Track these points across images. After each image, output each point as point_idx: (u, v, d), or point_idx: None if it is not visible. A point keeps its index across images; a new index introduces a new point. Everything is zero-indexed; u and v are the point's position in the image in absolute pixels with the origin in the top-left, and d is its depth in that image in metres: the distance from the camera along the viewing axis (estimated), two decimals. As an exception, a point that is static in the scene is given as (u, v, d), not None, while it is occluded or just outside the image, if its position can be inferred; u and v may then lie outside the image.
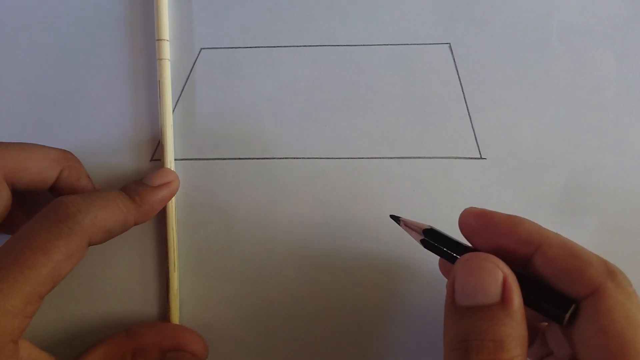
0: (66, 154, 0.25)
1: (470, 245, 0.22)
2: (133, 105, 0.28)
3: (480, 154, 0.27)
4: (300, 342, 0.27)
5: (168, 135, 0.27)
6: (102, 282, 0.27)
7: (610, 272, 0.19)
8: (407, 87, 0.28)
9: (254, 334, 0.27)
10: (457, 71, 0.28)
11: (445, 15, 0.28)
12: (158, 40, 0.27)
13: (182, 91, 0.28)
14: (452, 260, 0.21)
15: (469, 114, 0.28)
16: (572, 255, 0.19)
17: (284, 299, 0.27)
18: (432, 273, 0.26)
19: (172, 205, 0.27)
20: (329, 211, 0.27)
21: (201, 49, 0.28)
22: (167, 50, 0.27)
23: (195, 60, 0.28)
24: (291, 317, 0.27)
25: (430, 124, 0.28)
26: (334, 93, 0.28)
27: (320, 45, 0.28)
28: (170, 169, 0.26)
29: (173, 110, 0.28)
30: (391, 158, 0.27)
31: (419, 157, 0.27)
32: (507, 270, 0.19)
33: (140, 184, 0.25)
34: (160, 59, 0.27)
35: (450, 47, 0.28)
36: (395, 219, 0.23)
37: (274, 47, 0.28)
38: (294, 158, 0.28)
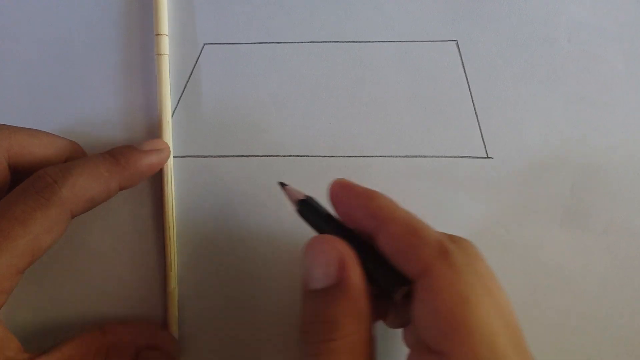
0: (73, 145, 0.25)
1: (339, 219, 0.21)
2: (131, 100, 0.27)
3: (486, 153, 0.27)
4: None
5: (166, 132, 0.26)
6: (99, 280, 0.27)
7: (443, 251, 0.18)
8: (414, 85, 0.27)
9: (253, 333, 0.27)
10: (464, 69, 0.27)
11: (453, 13, 0.27)
12: (157, 35, 0.26)
13: (184, 87, 0.27)
14: (323, 233, 0.21)
15: (475, 113, 0.27)
16: (412, 233, 0.19)
17: (285, 299, 0.27)
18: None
19: (171, 203, 0.26)
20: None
21: (204, 44, 0.27)
22: (165, 45, 0.27)
23: (199, 56, 0.27)
24: (293, 317, 0.27)
25: (436, 122, 0.27)
26: (339, 90, 0.27)
27: (326, 42, 0.28)
28: (162, 140, 0.26)
29: (175, 107, 0.27)
30: (396, 157, 0.27)
31: (425, 156, 0.27)
32: (346, 251, 0.19)
33: (127, 147, 0.24)
34: (159, 54, 0.26)
35: (457, 44, 0.27)
36: (282, 185, 0.23)
37: (279, 43, 0.28)
38: (298, 156, 0.27)
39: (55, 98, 0.27)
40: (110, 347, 0.24)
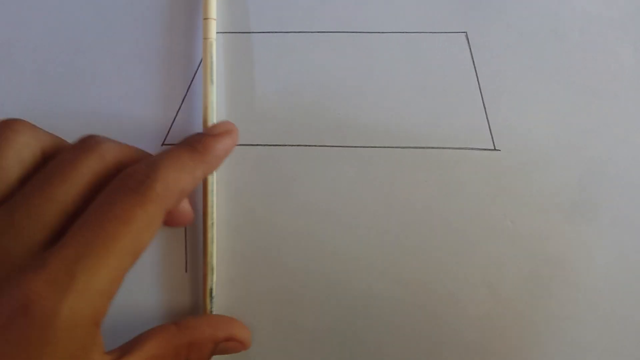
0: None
1: None
2: (143, 87, 0.27)
3: (494, 145, 0.27)
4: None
5: (210, 119, 0.26)
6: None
7: None
8: (422, 76, 0.27)
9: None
10: (473, 61, 0.27)
11: (463, 4, 0.27)
12: (205, 19, 0.26)
13: (194, 76, 0.28)
14: None
15: (483, 105, 0.27)
16: None
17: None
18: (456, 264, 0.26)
19: (212, 199, 0.26)
20: (338, 200, 0.27)
21: (215, 33, 0.28)
22: (213, 30, 0.26)
23: (208, 45, 0.28)
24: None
25: (444, 114, 0.27)
26: (347, 80, 0.27)
27: (334, 32, 0.28)
28: (228, 121, 0.26)
29: (185, 94, 0.27)
30: (404, 147, 0.27)
31: (432, 147, 0.27)
32: None
33: (201, 134, 0.24)
34: (206, 39, 0.26)
35: (466, 36, 0.27)
36: None
37: (287, 32, 0.28)
38: (305, 145, 0.27)
39: (66, 84, 0.28)
40: (190, 343, 0.23)
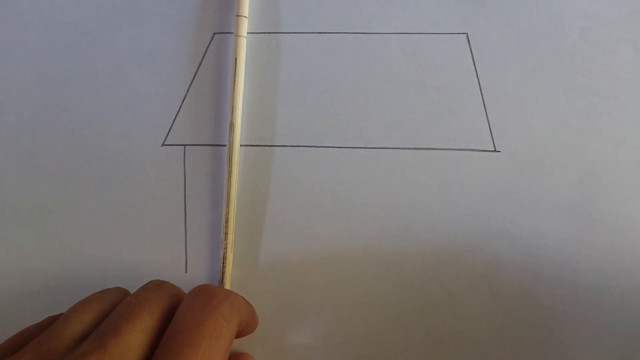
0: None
1: None
2: (144, 87, 0.27)
3: (494, 146, 0.27)
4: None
5: (238, 119, 0.26)
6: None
7: None
8: (423, 77, 0.27)
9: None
10: (474, 62, 0.27)
11: (464, 5, 0.27)
12: (237, 16, 0.26)
13: (194, 76, 0.27)
14: None
15: (484, 106, 0.27)
16: None
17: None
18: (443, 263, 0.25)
19: (234, 196, 0.27)
20: (338, 201, 0.27)
21: (214, 33, 0.28)
22: (244, 28, 0.27)
23: (208, 46, 0.27)
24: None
25: (444, 115, 0.27)
26: (348, 81, 0.27)
27: (335, 33, 0.28)
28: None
29: (185, 95, 0.27)
30: (404, 149, 0.27)
31: (433, 149, 0.27)
32: None
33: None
34: (238, 36, 0.26)
35: (467, 37, 0.27)
36: None
37: (287, 33, 0.28)
38: (305, 146, 0.27)
39: (66, 85, 0.27)
40: None
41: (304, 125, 0.27)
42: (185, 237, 0.27)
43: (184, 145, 0.27)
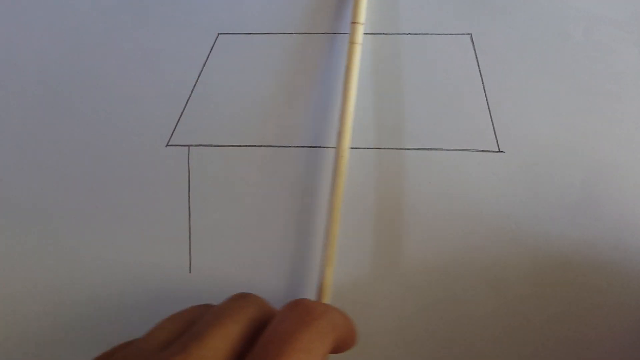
0: None
1: None
2: (148, 87, 0.27)
3: (498, 147, 0.27)
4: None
5: (347, 123, 0.26)
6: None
7: None
8: (427, 78, 0.27)
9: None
10: (478, 63, 0.27)
11: (468, 6, 0.27)
12: (353, 23, 0.26)
13: (198, 76, 0.27)
14: None
15: (488, 106, 0.27)
16: None
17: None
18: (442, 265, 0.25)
19: (339, 197, 0.26)
20: (343, 201, 0.27)
21: (218, 34, 0.28)
22: (360, 35, 0.26)
23: (213, 46, 0.28)
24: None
25: (448, 115, 0.27)
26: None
27: (338, 33, 0.28)
28: None
29: (190, 95, 0.27)
30: (408, 149, 0.27)
31: (437, 149, 0.27)
32: None
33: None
34: (352, 43, 0.26)
35: (471, 37, 0.27)
36: None
37: (291, 34, 0.28)
38: (309, 147, 0.27)
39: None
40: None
41: (306, 126, 0.27)
42: (190, 237, 0.27)
43: (188, 145, 0.27)
